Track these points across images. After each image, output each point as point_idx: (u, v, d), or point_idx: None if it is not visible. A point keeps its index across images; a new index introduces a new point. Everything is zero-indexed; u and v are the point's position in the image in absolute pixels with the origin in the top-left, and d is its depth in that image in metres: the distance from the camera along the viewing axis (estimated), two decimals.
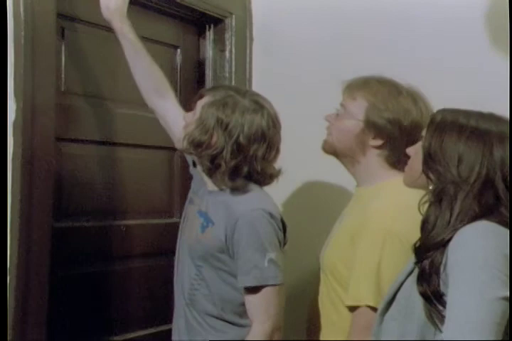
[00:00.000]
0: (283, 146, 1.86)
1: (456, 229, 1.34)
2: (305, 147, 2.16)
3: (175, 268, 1.90)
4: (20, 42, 1.72)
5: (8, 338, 1.64)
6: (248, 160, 1.72)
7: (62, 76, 1.95)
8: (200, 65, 2.47)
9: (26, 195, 1.72)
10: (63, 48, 1.95)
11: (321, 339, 1.81)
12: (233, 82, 2.46)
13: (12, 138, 1.72)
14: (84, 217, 2.01)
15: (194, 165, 1.87)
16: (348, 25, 2.37)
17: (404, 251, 1.55)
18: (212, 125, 1.72)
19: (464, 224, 1.34)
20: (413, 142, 1.64)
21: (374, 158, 1.77)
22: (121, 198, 2.15)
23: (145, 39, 2.24)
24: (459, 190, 1.36)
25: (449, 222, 1.35)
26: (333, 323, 1.77)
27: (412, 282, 1.41)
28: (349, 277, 1.70)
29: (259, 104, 1.74)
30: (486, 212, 1.35)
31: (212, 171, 1.75)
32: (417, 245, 1.41)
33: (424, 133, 1.46)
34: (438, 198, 1.39)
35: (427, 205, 1.42)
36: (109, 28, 2.11)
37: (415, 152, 1.49)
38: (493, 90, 2.00)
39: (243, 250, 1.69)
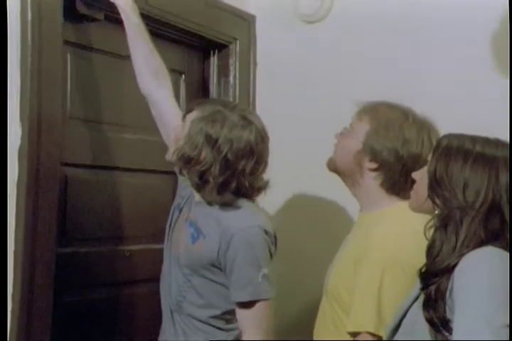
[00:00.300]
0: (289, 171, 1.87)
1: (462, 255, 1.33)
2: (310, 171, 2.17)
3: (161, 273, 1.89)
4: (27, 69, 1.74)
5: None
6: (236, 175, 1.73)
7: (68, 102, 1.97)
8: (205, 90, 2.49)
9: (31, 220, 1.73)
10: (69, 74, 1.97)
11: None
12: None
13: (17, 164, 1.73)
14: (88, 242, 2.01)
15: (180, 172, 1.85)
16: (352, 50, 2.39)
17: (406, 278, 1.54)
18: (201, 141, 1.72)
19: (470, 250, 1.33)
20: (409, 171, 1.65)
21: (371, 182, 1.77)
22: (125, 223, 2.15)
23: None
24: (465, 215, 1.36)
25: (455, 247, 1.34)
26: None
27: (417, 308, 1.39)
28: (350, 302, 1.70)
29: (247, 120, 1.74)
30: (491, 237, 1.34)
31: (200, 186, 1.76)
32: (423, 270, 1.40)
33: (429, 157, 1.47)
34: (444, 223, 1.38)
35: (432, 230, 1.42)
36: (113, 54, 2.14)
37: (421, 177, 1.49)
38: (500, 116, 2.01)
39: (238, 266, 1.70)
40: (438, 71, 2.25)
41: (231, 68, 2.48)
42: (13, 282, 1.69)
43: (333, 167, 1.84)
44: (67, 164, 1.93)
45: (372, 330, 1.61)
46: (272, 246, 1.76)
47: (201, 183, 1.74)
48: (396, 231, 1.68)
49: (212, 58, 2.49)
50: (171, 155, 1.79)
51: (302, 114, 2.46)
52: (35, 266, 1.73)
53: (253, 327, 1.74)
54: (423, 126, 1.78)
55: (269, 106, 2.53)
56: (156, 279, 2.23)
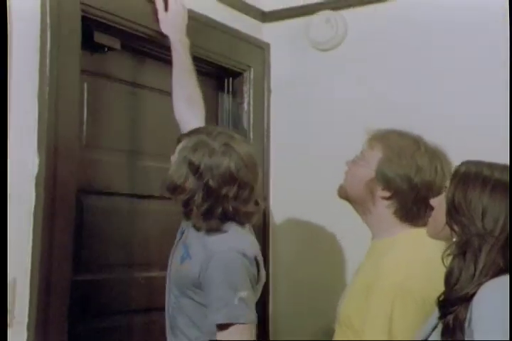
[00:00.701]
0: (302, 198, 1.87)
1: (480, 284, 1.31)
2: (323, 198, 2.17)
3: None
4: (44, 97, 1.76)
5: None
6: (220, 201, 1.75)
7: (84, 130, 1.99)
8: (219, 117, 2.50)
9: (47, 247, 1.73)
10: (85, 103, 1.99)
11: None
12: (252, 134, 2.48)
13: (34, 192, 1.74)
14: (104, 269, 2.01)
15: None
16: (366, 78, 2.40)
17: (417, 307, 1.52)
18: (185, 169, 1.76)
19: (488, 279, 1.31)
20: (422, 199, 1.66)
21: (384, 210, 1.76)
22: (140, 250, 2.16)
23: (165, 92, 2.30)
24: (484, 242, 1.34)
25: (474, 275, 1.32)
26: None
27: (436, 337, 1.38)
28: (362, 330, 1.68)
29: (228, 146, 1.76)
30: (510, 266, 1.33)
31: (187, 214, 1.79)
32: (441, 299, 1.39)
33: (447, 184, 1.46)
34: (462, 250, 1.36)
35: (450, 258, 1.40)
36: (129, 83, 2.17)
37: (439, 203, 1.47)
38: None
39: (215, 288, 1.71)
40: (449, 99, 2.26)
41: (245, 95, 2.49)
42: (28, 311, 1.69)
43: (344, 194, 1.83)
44: (83, 191, 1.94)
45: None
46: (253, 269, 1.76)
47: (187, 211, 1.78)
48: (406, 260, 1.66)
49: (226, 85, 2.51)
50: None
51: (316, 141, 2.46)
52: (51, 294, 1.73)
53: None
54: (435, 154, 1.77)
55: (283, 133, 2.55)
56: None
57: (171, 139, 2.29)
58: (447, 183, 1.46)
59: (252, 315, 1.71)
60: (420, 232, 1.70)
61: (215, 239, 1.76)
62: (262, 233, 2.47)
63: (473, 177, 1.40)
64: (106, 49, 2.03)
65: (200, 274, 1.73)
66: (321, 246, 2.45)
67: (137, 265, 2.14)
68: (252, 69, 2.50)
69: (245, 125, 2.49)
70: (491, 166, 1.41)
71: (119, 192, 2.10)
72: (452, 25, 2.26)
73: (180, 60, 2.06)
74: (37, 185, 1.74)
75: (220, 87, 2.52)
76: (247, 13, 2.51)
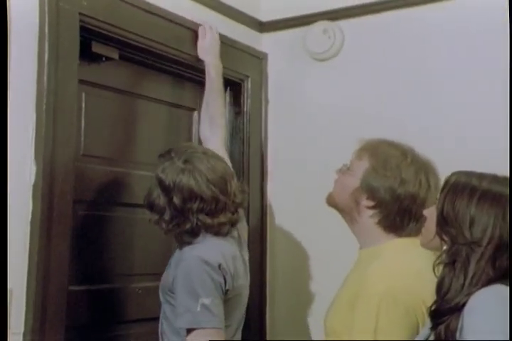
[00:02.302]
0: (302, 206, 1.88)
1: (470, 293, 1.32)
2: (321, 207, 2.17)
3: None
4: (42, 107, 1.77)
5: None
6: (186, 216, 1.82)
7: (82, 139, 1.99)
8: None
9: (43, 257, 1.73)
10: (83, 113, 1.99)
11: None
12: (249, 144, 2.48)
13: (31, 201, 1.74)
14: (101, 279, 2.01)
15: None
16: (363, 88, 2.41)
17: (401, 315, 1.53)
18: (157, 188, 1.85)
19: (479, 288, 1.32)
20: (406, 210, 1.69)
21: (368, 219, 1.77)
22: (137, 260, 2.15)
23: (163, 102, 2.31)
24: (472, 252, 1.35)
25: (463, 285, 1.33)
26: None
27: None
28: None
29: (189, 163, 1.84)
30: (500, 275, 1.33)
31: (163, 231, 1.87)
32: (432, 309, 1.39)
33: (438, 195, 1.47)
34: (452, 259, 1.37)
35: (441, 267, 1.41)
36: (127, 93, 2.17)
37: (431, 214, 1.49)
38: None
39: (179, 294, 1.78)
40: (447, 109, 2.26)
41: (243, 105, 2.50)
42: (24, 321, 1.69)
43: (332, 202, 1.85)
44: (80, 201, 1.94)
45: None
46: (217, 277, 1.79)
47: (161, 228, 1.87)
48: (390, 269, 1.66)
49: (224, 95, 2.50)
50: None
51: (313, 150, 2.47)
52: (47, 304, 1.72)
53: None
54: (422, 166, 1.77)
55: (280, 143, 2.55)
56: None
57: (167, 148, 2.30)
58: (437, 195, 1.46)
59: (216, 321, 1.76)
60: (405, 242, 1.71)
61: (186, 250, 1.85)
62: (260, 239, 2.47)
63: (461, 187, 1.41)
64: (104, 59, 2.04)
65: (172, 281, 1.81)
66: (318, 254, 2.45)
67: (134, 275, 2.13)
68: (249, 79, 2.50)
69: (243, 135, 2.49)
70: (481, 176, 1.42)
71: (116, 201, 2.10)
72: (451, 33, 2.27)
73: (211, 82, 2.21)
74: (34, 194, 1.74)
75: None
76: (245, 24, 2.52)
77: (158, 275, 2.17)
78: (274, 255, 2.53)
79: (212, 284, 1.78)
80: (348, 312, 1.68)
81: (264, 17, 2.59)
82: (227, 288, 1.82)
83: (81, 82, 1.93)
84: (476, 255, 1.34)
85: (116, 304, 2.05)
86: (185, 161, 1.83)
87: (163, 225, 1.84)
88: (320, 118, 2.47)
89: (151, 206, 1.86)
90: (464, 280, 1.33)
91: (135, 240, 2.15)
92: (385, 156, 1.76)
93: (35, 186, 1.74)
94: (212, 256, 1.81)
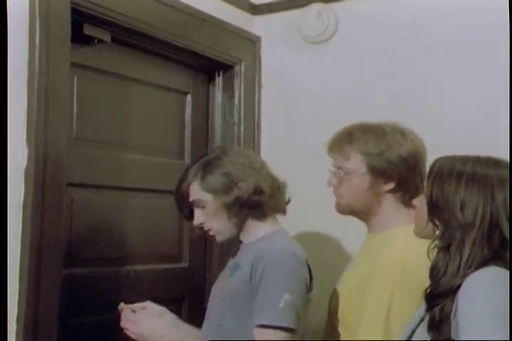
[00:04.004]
0: (295, 191, 1.89)
1: (465, 275, 1.33)
2: (315, 192, 2.17)
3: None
4: (33, 90, 1.76)
5: None
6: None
7: (74, 123, 1.98)
8: (209, 111, 2.50)
9: (37, 240, 1.73)
10: (75, 96, 1.98)
11: None
12: (242, 128, 2.48)
13: (24, 184, 1.73)
14: (94, 262, 2.01)
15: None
16: (356, 72, 2.40)
17: (414, 300, 1.53)
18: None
19: (473, 270, 1.33)
20: (416, 171, 1.72)
21: (389, 204, 1.77)
22: (130, 243, 2.15)
23: (155, 86, 2.29)
24: (466, 234, 1.37)
25: (459, 267, 1.35)
26: None
27: (423, 329, 1.39)
28: (356, 324, 1.69)
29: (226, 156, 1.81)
30: (494, 256, 1.35)
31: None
32: (427, 292, 1.40)
33: (425, 183, 1.48)
34: (446, 243, 1.39)
35: (435, 252, 1.42)
36: (119, 76, 2.16)
37: (420, 202, 1.50)
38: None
39: (262, 288, 1.66)
40: (442, 94, 2.26)
41: (236, 89, 2.49)
42: (17, 303, 1.69)
43: (347, 210, 1.80)
44: (72, 184, 1.93)
45: None
46: (305, 273, 1.70)
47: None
48: (404, 254, 1.67)
49: (217, 79, 2.50)
50: None
51: (307, 134, 2.46)
52: (41, 287, 1.72)
53: None
54: (400, 129, 1.79)
55: (273, 127, 2.54)
56: (161, 299, 2.23)
57: (160, 132, 2.31)
58: (425, 182, 1.47)
59: (296, 322, 1.64)
60: None
61: (264, 243, 1.75)
62: None
63: (447, 172, 1.43)
64: (96, 41, 2.02)
65: (251, 277, 1.69)
66: (316, 237, 2.45)
67: (128, 258, 2.14)
68: (242, 62, 2.49)
69: (235, 119, 2.49)
70: (464, 160, 1.44)
71: (108, 185, 2.10)
72: (449, 24, 2.26)
73: None
74: (26, 178, 1.74)
75: (211, 81, 2.51)
76: (237, 6, 2.50)
77: (151, 257, 2.20)
78: None
79: (299, 281, 1.68)
80: (358, 296, 1.69)
81: (257, 0, 2.58)
82: (311, 286, 1.73)
83: (73, 64, 1.92)
84: (470, 236, 1.36)
85: (109, 286, 2.05)
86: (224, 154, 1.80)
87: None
88: (313, 101, 2.47)
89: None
90: (460, 262, 1.35)
91: (128, 223, 2.15)
92: (367, 140, 1.76)
93: (27, 169, 1.74)
94: (299, 249, 1.74)
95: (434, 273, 1.39)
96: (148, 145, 2.24)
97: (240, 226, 1.79)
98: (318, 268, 2.28)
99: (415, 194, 1.72)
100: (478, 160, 1.44)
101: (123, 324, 1.71)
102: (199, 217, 1.78)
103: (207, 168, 1.77)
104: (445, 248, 1.38)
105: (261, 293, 1.66)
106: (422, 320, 1.42)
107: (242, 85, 2.48)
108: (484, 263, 1.34)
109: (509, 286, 1.29)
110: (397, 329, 1.54)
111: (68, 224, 1.90)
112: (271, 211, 1.80)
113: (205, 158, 1.80)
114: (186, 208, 1.82)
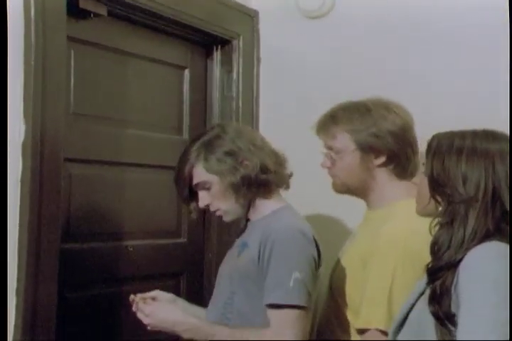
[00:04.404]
0: (293, 167, 1.89)
1: (468, 249, 1.34)
2: (312, 167, 2.17)
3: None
4: (30, 65, 1.74)
5: None
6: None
7: (71, 98, 1.97)
8: (208, 86, 2.49)
9: (35, 216, 1.73)
10: (72, 70, 1.97)
11: None
12: (240, 103, 2.47)
13: (21, 160, 1.73)
14: (92, 237, 2.01)
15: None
16: (355, 47, 2.39)
17: (417, 273, 1.55)
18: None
19: (476, 244, 1.34)
20: (406, 143, 1.75)
21: (384, 177, 1.79)
22: (128, 218, 2.16)
23: (153, 60, 2.28)
24: (470, 207, 1.37)
25: (463, 241, 1.35)
26: None
27: (423, 303, 1.40)
28: (359, 300, 1.70)
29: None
30: (496, 229, 1.35)
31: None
32: (430, 266, 1.41)
33: (424, 160, 1.48)
34: (449, 219, 1.39)
35: (437, 228, 1.42)
36: (116, 50, 2.14)
37: (420, 180, 1.51)
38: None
39: (271, 267, 1.67)
40: (438, 71, 2.25)
41: (234, 64, 2.47)
42: (17, 277, 1.69)
43: (343, 189, 1.83)
44: (70, 160, 1.93)
45: (382, 328, 1.62)
46: (312, 250, 1.71)
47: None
48: (406, 228, 1.68)
49: (215, 54, 2.48)
50: None
51: (305, 109, 2.45)
52: (40, 262, 1.73)
53: (272, 332, 1.65)
54: (383, 103, 1.81)
55: (272, 102, 2.53)
56: (159, 274, 2.25)
57: (157, 107, 2.30)
58: (424, 159, 1.47)
59: (307, 299, 1.66)
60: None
61: (271, 220, 1.75)
62: None
63: (446, 147, 1.43)
64: (92, 15, 2.00)
65: (259, 256, 1.70)
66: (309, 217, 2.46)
67: (126, 233, 2.14)
68: (241, 37, 2.47)
69: (234, 94, 2.48)
70: (462, 135, 1.44)
71: (106, 160, 2.09)
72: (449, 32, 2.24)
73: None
74: (24, 153, 1.73)
75: (209, 55, 2.49)
76: None
77: (149, 233, 2.20)
78: None
79: (307, 259, 1.68)
80: (359, 271, 1.70)
81: None
82: (320, 262, 1.74)
83: (69, 39, 1.90)
84: (474, 210, 1.37)
85: (107, 262, 2.06)
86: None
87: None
88: (312, 76, 2.45)
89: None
90: (463, 236, 1.36)
91: (126, 198, 2.15)
92: (352, 117, 1.78)
93: (24, 144, 1.73)
94: (305, 226, 1.74)
95: (436, 247, 1.39)
96: (146, 121, 2.24)
97: (247, 205, 1.78)
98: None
99: (408, 166, 1.77)
100: (476, 134, 1.44)
101: (139, 316, 1.73)
102: (204, 198, 1.77)
103: (208, 148, 1.74)
104: (449, 223, 1.39)
105: (270, 273, 1.67)
106: (422, 293, 1.43)
107: (241, 60, 2.47)
108: (487, 236, 1.35)
109: (509, 260, 1.30)
110: (400, 305, 1.55)
111: (66, 199, 1.90)
112: (276, 187, 1.80)
113: (205, 137, 1.77)
114: (186, 191, 1.80)
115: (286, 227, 1.71)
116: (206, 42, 2.46)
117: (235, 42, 2.46)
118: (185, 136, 2.36)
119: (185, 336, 1.71)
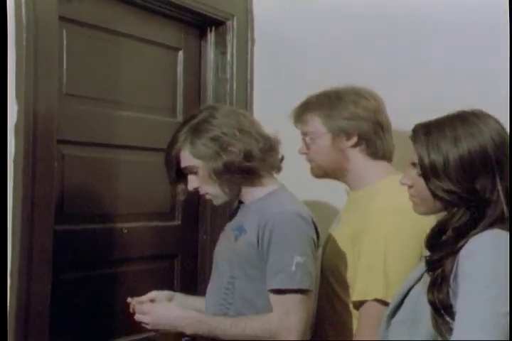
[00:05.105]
0: (287, 147, 1.89)
1: (468, 237, 1.31)
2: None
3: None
4: (21, 45, 1.72)
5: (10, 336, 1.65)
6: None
7: (64, 79, 1.95)
8: (202, 67, 2.47)
9: (28, 197, 1.72)
10: (65, 51, 1.95)
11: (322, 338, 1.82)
12: (235, 85, 2.46)
13: (14, 141, 1.72)
14: (86, 219, 2.01)
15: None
16: (350, 27, 2.37)
17: (409, 248, 1.57)
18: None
19: (477, 232, 1.31)
20: (378, 125, 1.80)
21: (358, 157, 1.84)
22: (122, 200, 2.15)
23: (146, 41, 2.26)
24: (471, 194, 1.33)
25: (464, 229, 1.32)
26: (332, 324, 1.79)
27: (420, 289, 1.38)
28: (352, 279, 1.72)
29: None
30: (499, 217, 1.32)
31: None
32: (429, 255, 1.39)
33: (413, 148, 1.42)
34: (454, 205, 1.34)
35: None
36: (109, 31, 2.12)
37: (412, 180, 1.42)
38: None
39: (272, 252, 1.68)
40: (435, 59, 2.24)
41: (228, 45, 2.45)
42: (11, 259, 1.69)
43: (321, 172, 1.89)
44: (63, 141, 1.92)
45: (380, 296, 1.63)
46: (311, 232, 1.71)
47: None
48: (394, 204, 1.70)
49: (209, 35, 2.46)
50: None
51: (300, 90, 2.43)
52: (33, 244, 1.72)
53: (277, 317, 1.67)
54: (354, 89, 1.87)
55: (266, 83, 2.52)
56: (153, 256, 2.25)
57: (151, 89, 2.28)
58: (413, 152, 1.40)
59: (309, 282, 1.67)
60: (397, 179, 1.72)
61: (267, 203, 1.74)
62: None
63: (435, 126, 1.38)
64: None
65: (258, 241, 1.70)
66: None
67: (120, 215, 2.13)
68: (235, 18, 2.45)
69: (228, 75, 2.46)
70: (449, 118, 1.40)
71: (100, 142, 2.08)
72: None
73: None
74: (16, 134, 1.72)
75: (203, 37, 2.47)
76: None
77: (143, 215, 2.20)
78: None
79: (306, 241, 1.68)
80: (350, 250, 1.75)
81: None
82: (319, 243, 1.75)
83: (61, 19, 1.88)
84: (475, 196, 1.33)
85: (101, 244, 2.06)
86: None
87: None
88: (307, 56, 2.44)
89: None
90: (465, 224, 1.32)
91: (120, 180, 2.14)
92: (321, 103, 1.86)
93: (17, 126, 1.71)
94: (303, 208, 1.74)
95: (437, 234, 1.36)
96: (139, 102, 2.22)
97: (236, 190, 1.79)
98: None
99: (381, 145, 1.83)
100: (452, 121, 1.38)
101: (137, 317, 1.74)
102: (193, 182, 1.78)
103: (195, 132, 1.75)
104: (454, 209, 1.34)
105: (271, 258, 1.67)
106: (419, 279, 1.40)
107: (235, 41, 2.45)
108: (489, 224, 1.31)
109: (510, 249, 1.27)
110: (396, 276, 1.56)
111: (59, 180, 1.89)
112: (265, 172, 1.79)
113: (194, 120, 1.78)
114: (174, 172, 1.81)
115: (284, 211, 1.71)
116: (200, 23, 2.44)
117: (229, 23, 2.44)
118: (179, 118, 2.35)
119: (188, 331, 1.71)
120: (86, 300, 1.99)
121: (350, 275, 1.75)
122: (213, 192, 1.77)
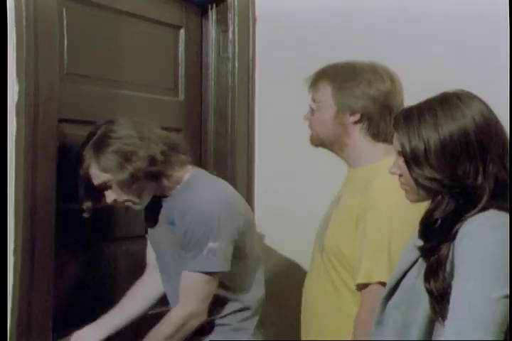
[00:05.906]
0: (288, 131, 1.89)
1: (464, 219, 1.27)
2: (304, 127, 2.16)
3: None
4: (22, 25, 1.71)
5: (14, 316, 1.68)
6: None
7: (65, 58, 1.94)
8: (203, 46, 2.46)
9: (30, 177, 1.73)
10: (65, 30, 1.94)
11: (322, 322, 1.82)
12: (236, 63, 2.45)
13: (15, 120, 1.72)
14: (88, 198, 2.01)
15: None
16: (353, 4, 2.35)
17: (412, 227, 1.56)
18: None
19: (473, 214, 1.27)
20: (387, 108, 1.77)
21: (358, 135, 1.82)
22: None
23: (147, 19, 2.25)
24: (459, 178, 1.28)
25: (458, 212, 1.28)
26: (334, 305, 1.79)
27: (416, 271, 1.35)
28: (355, 257, 1.71)
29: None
30: (494, 198, 1.27)
31: None
32: (423, 242, 1.34)
33: (394, 137, 1.38)
34: (446, 191, 1.29)
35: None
36: (111, 9, 2.11)
37: (400, 169, 1.37)
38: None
39: (189, 237, 1.82)
40: (438, 41, 2.26)
41: (230, 23, 2.44)
42: (14, 239, 1.70)
43: (318, 141, 1.88)
44: (64, 120, 1.92)
45: (384, 280, 1.62)
46: (234, 219, 1.85)
47: None
48: (395, 182, 1.68)
49: (210, 13, 2.45)
50: None
51: (303, 69, 2.42)
52: (36, 223, 1.74)
53: (185, 299, 1.85)
54: (373, 66, 1.84)
55: (268, 62, 2.51)
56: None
57: (153, 68, 2.27)
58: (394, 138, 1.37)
59: (219, 265, 1.82)
60: None
61: (187, 194, 1.86)
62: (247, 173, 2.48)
63: (412, 123, 1.32)
64: None
65: (185, 231, 1.84)
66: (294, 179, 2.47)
67: None
68: None
69: (230, 54, 2.45)
70: (429, 102, 1.35)
71: (101, 121, 2.07)
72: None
73: None
74: (17, 113, 1.72)
75: (204, 15, 2.46)
76: None
77: None
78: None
79: (225, 226, 1.83)
80: (352, 229, 1.73)
81: None
82: (243, 229, 1.88)
83: None
84: (464, 179, 1.28)
85: (103, 223, 2.07)
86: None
87: None
88: (309, 35, 2.43)
89: None
90: (458, 207, 1.28)
91: None
92: (337, 74, 1.82)
93: (18, 105, 1.71)
94: (221, 191, 1.89)
95: (426, 224, 1.33)
96: (141, 81, 2.21)
97: (152, 192, 1.88)
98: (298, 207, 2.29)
99: (384, 128, 1.79)
100: (431, 106, 1.32)
101: None
102: (109, 195, 1.86)
103: (97, 148, 1.82)
104: (445, 194, 1.29)
105: (191, 245, 1.82)
106: (415, 262, 1.36)
107: (236, 19, 2.44)
108: (483, 207, 1.27)
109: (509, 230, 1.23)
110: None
111: (60, 159, 1.89)
112: (175, 169, 1.87)
113: (94, 137, 1.84)
114: (84, 190, 1.87)
115: (202, 201, 1.84)
116: (201, 1, 2.42)
117: (230, 1, 2.43)
118: (181, 97, 2.35)
119: None
120: (88, 280, 2.01)
121: (354, 256, 1.72)
122: (131, 199, 1.86)
